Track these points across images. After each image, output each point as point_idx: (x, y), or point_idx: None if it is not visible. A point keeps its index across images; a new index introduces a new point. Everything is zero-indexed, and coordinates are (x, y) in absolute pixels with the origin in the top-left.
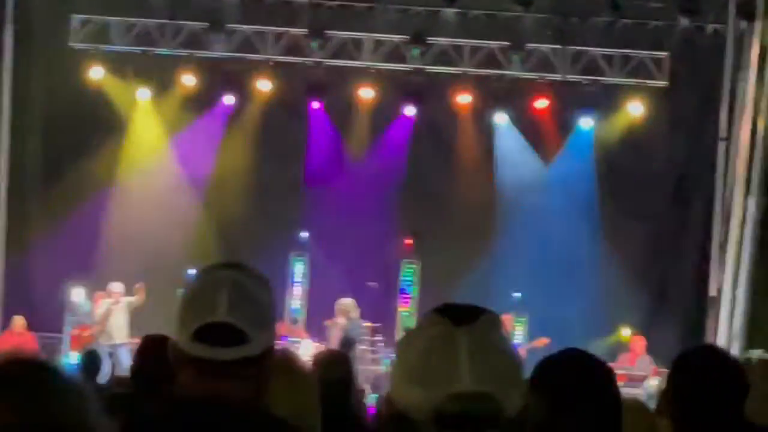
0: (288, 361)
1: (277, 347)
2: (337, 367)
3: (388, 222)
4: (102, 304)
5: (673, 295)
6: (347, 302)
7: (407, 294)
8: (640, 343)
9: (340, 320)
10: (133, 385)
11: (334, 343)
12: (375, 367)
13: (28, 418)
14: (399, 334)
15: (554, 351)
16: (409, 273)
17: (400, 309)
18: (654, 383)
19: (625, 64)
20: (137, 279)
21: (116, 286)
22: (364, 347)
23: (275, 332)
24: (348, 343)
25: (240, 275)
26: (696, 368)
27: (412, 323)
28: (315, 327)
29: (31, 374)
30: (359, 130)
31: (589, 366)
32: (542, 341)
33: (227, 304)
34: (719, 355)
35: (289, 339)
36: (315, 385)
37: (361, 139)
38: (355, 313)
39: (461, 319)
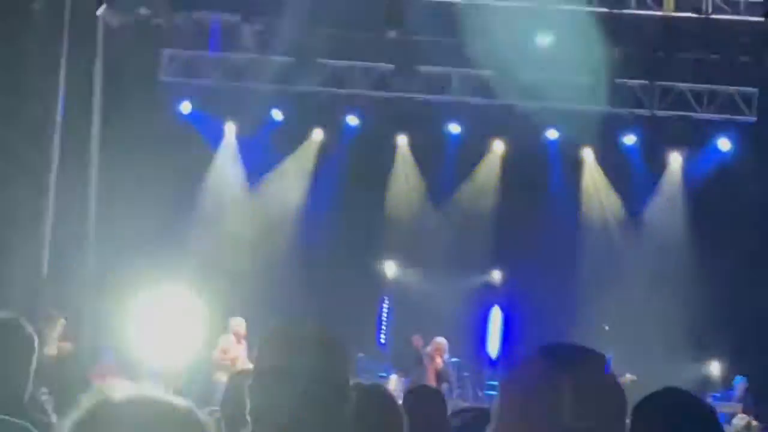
0: (379, 394)
1: (367, 381)
2: (432, 402)
3: (476, 257)
4: (225, 341)
5: (763, 333)
6: (443, 341)
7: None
8: (742, 384)
9: (438, 359)
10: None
11: (431, 378)
12: (460, 402)
13: None
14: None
15: (648, 389)
16: (497, 307)
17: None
18: (741, 422)
19: (713, 100)
20: (223, 313)
21: (238, 322)
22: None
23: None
24: (445, 380)
25: None
26: None
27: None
28: (401, 361)
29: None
30: (448, 164)
31: (693, 405)
32: (629, 378)
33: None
34: None
35: (379, 374)
36: (403, 419)
37: (450, 172)
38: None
39: (565, 361)
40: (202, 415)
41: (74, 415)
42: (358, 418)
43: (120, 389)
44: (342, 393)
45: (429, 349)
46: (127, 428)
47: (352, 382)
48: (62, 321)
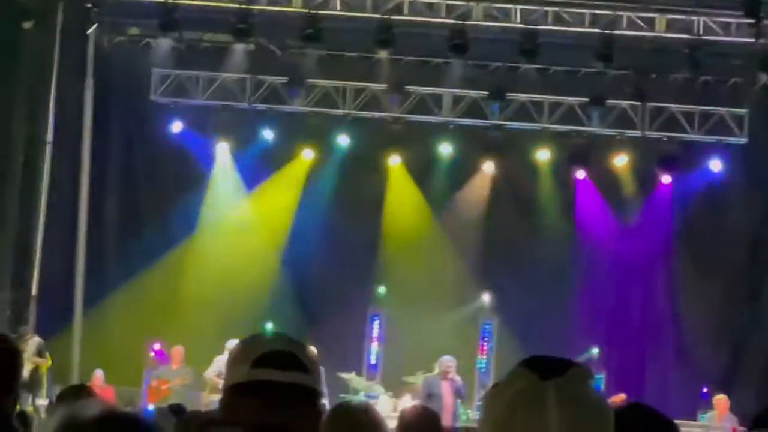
0: (367, 413)
1: (357, 400)
2: (428, 423)
3: (467, 277)
4: (218, 363)
5: (752, 355)
6: (452, 359)
7: (485, 347)
8: (724, 402)
9: (454, 376)
10: None
11: (448, 398)
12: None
13: None
14: (476, 390)
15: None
16: (488, 328)
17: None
18: None
19: (704, 121)
20: (215, 334)
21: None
22: None
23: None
24: (459, 397)
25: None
26: None
27: (488, 377)
28: (391, 382)
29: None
30: (438, 185)
31: (653, 421)
32: (619, 398)
33: (286, 339)
34: None
35: (367, 394)
36: None
37: (441, 194)
38: None
39: (549, 372)
40: None
41: None
42: None
43: (93, 406)
44: None
45: (441, 368)
46: None
47: (339, 400)
48: (36, 339)
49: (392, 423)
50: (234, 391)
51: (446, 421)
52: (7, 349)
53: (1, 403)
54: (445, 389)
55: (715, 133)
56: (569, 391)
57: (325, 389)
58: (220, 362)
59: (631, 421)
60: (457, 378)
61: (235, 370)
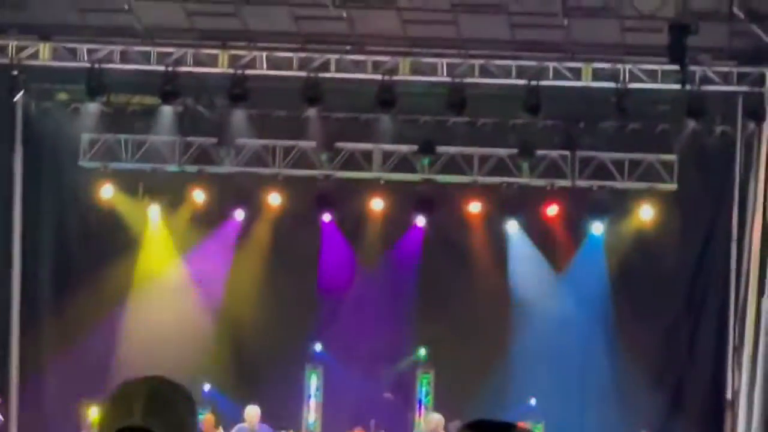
0: None
1: None
2: None
3: (403, 331)
4: None
5: (690, 398)
6: (440, 417)
7: (422, 404)
8: None
9: None
10: None
11: None
12: None
13: None
14: None
15: None
16: (424, 381)
17: (416, 420)
18: None
19: (634, 169)
20: None
21: None
22: None
23: None
24: None
25: (159, 384)
26: None
27: None
28: None
29: None
30: (371, 240)
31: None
32: None
33: (143, 410)
34: None
35: None
36: None
37: (373, 249)
38: None
39: None
40: None
41: None
42: None
43: None
44: None
45: (431, 426)
46: None
47: None
48: None
49: None
50: None
51: None
52: None
53: None
54: None
55: (645, 180)
56: None
57: None
58: None
59: None
60: None
61: None
